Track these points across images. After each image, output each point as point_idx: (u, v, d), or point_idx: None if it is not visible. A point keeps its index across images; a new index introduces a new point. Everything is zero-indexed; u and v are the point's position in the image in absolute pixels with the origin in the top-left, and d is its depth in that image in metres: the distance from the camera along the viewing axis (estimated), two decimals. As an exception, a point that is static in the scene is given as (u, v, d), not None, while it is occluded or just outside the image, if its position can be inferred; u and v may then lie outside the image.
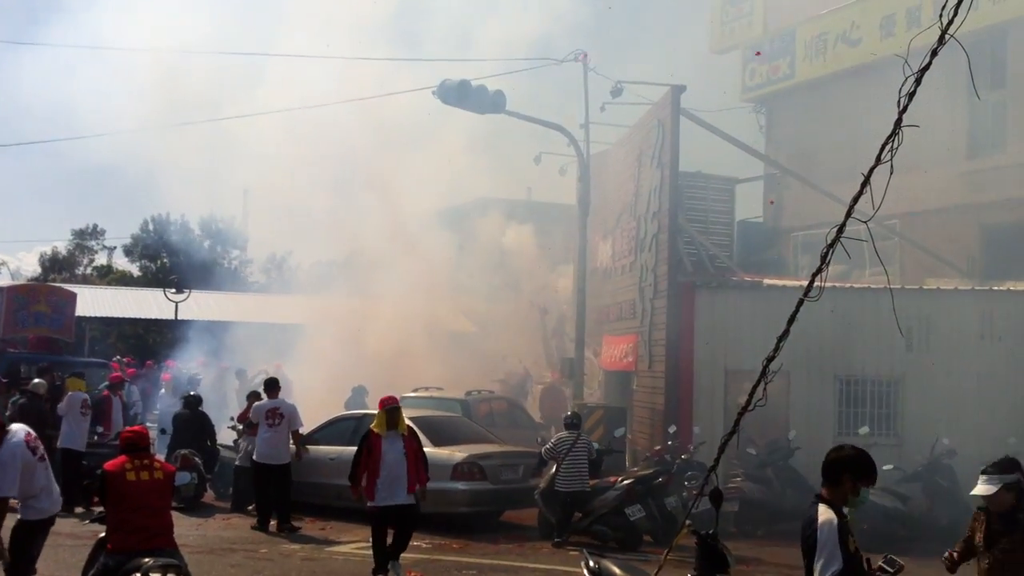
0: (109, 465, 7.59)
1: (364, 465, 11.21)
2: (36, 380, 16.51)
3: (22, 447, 8.20)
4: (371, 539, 11.31)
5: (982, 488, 6.55)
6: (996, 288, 17.71)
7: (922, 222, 21.23)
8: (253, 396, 16.93)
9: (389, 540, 11.29)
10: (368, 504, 11.23)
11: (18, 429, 8.42)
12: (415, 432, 11.45)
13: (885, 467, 15.08)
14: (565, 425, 14.48)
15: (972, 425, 16.18)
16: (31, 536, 8.51)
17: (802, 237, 24.27)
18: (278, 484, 14.61)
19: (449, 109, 20.36)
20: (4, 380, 19.11)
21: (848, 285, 17.49)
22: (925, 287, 17.84)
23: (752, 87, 26.96)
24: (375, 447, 11.12)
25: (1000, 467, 6.59)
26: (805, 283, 5.35)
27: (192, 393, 18.15)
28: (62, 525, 13.10)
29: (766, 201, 26.50)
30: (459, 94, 18.90)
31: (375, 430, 11.28)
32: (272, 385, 15.24)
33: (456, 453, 14.59)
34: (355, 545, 13.48)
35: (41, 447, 8.55)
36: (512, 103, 19.69)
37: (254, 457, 14.85)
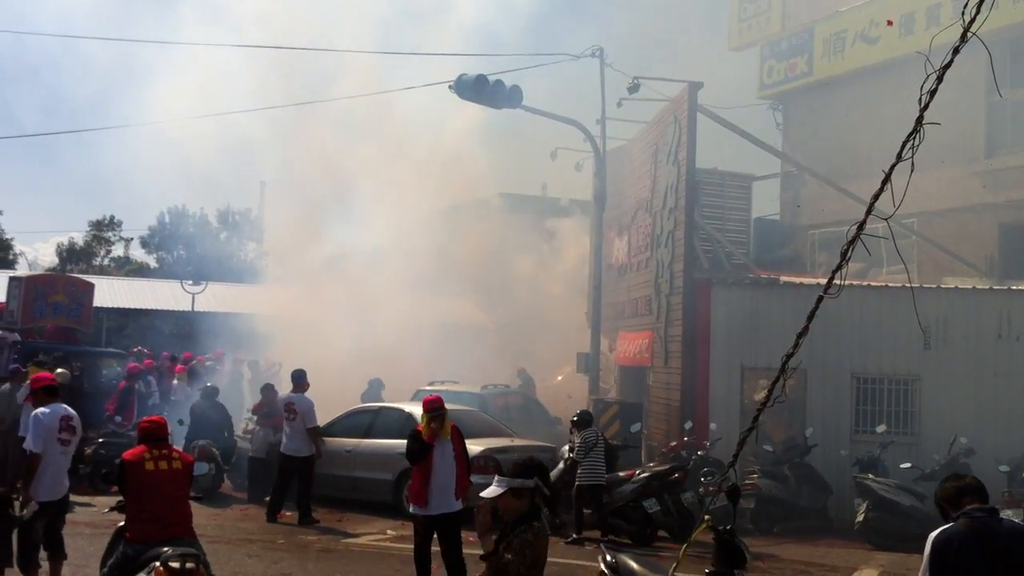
0: (128, 454, 7.61)
1: (418, 470, 10.21)
2: (59, 370, 16.54)
3: (56, 418, 9.04)
4: (414, 548, 10.28)
5: (488, 490, 5.51)
6: (1014, 287, 17.64)
7: (940, 221, 21.15)
8: (268, 388, 17.02)
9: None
10: (415, 510, 10.23)
11: (62, 405, 9.27)
12: (460, 433, 10.49)
13: (902, 466, 15.07)
14: (580, 423, 14.36)
15: (989, 424, 16.14)
16: (34, 516, 8.86)
17: (819, 235, 24.22)
18: (300, 477, 14.71)
19: (465, 103, 20.39)
20: (24, 370, 19.22)
21: (866, 283, 17.44)
22: (943, 286, 17.78)
23: (770, 84, 26.93)
24: (428, 451, 10.16)
25: (516, 468, 5.52)
26: (822, 281, 5.36)
27: (209, 384, 18.25)
28: (80, 515, 13.29)
29: (783, 198, 26.46)
30: (476, 89, 18.89)
31: (423, 433, 10.22)
32: (294, 378, 15.31)
33: (472, 447, 14.53)
34: (371, 537, 13.56)
35: (68, 435, 9.20)
36: (528, 98, 19.71)
37: (281, 448, 15.00)
